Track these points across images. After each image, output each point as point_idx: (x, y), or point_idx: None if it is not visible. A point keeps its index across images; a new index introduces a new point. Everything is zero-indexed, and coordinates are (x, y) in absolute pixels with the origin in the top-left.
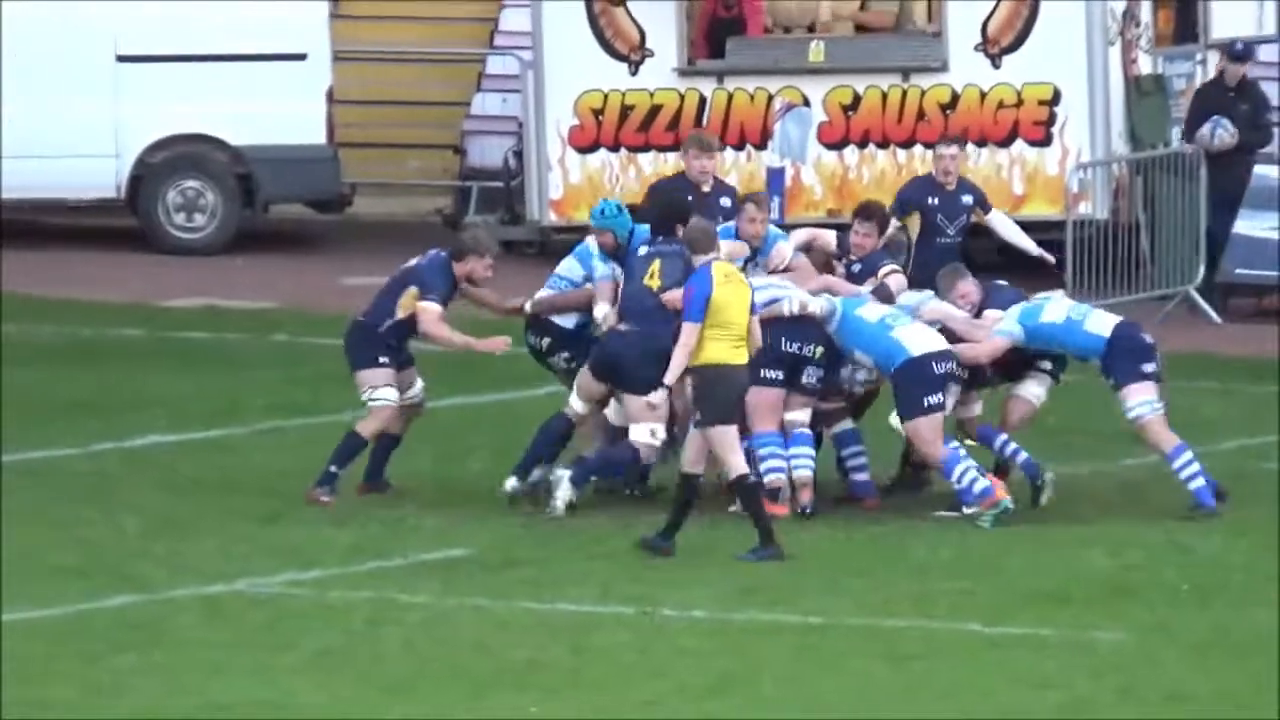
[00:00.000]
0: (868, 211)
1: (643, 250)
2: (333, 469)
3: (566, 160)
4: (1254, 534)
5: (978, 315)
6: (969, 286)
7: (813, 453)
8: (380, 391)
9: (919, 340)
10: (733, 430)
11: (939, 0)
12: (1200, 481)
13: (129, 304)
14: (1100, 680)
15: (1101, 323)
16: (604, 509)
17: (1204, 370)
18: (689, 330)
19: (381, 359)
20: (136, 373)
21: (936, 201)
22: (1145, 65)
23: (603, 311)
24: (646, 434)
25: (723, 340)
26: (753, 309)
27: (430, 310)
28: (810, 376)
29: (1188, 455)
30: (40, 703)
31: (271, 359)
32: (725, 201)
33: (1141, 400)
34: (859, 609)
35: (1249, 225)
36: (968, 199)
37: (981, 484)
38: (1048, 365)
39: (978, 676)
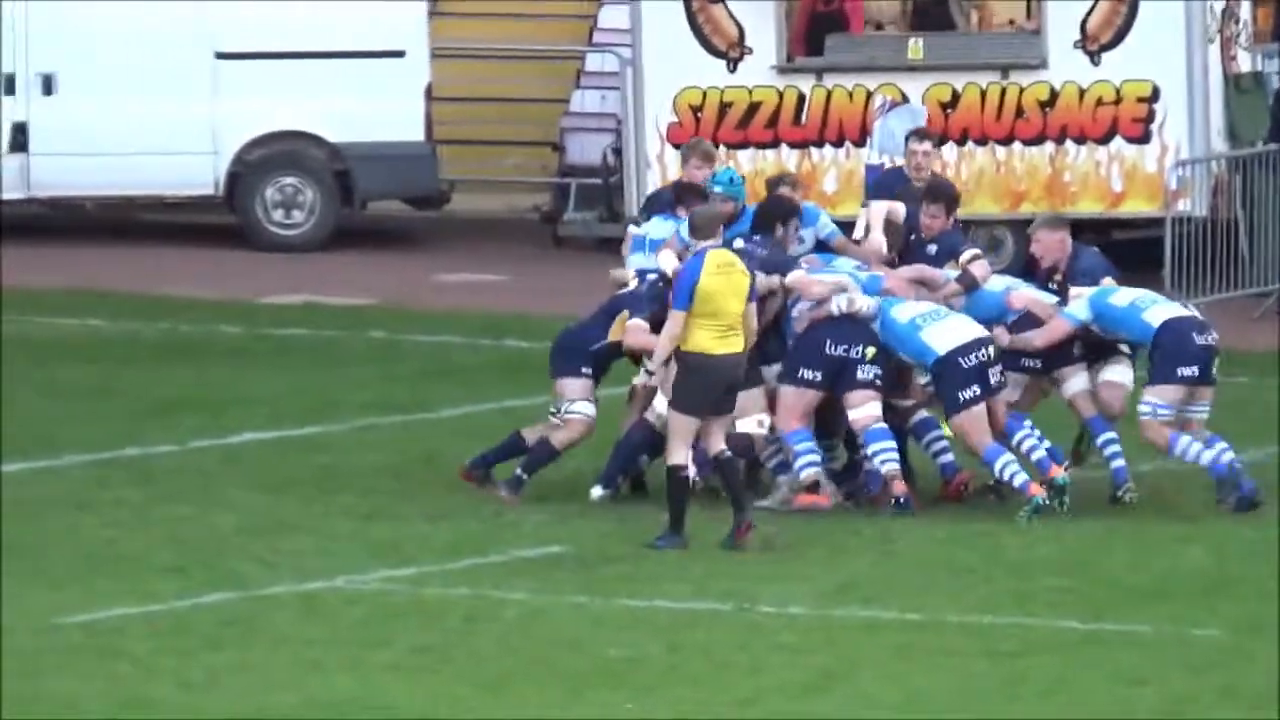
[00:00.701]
0: (935, 192)
1: (737, 244)
2: (519, 474)
3: (665, 157)
4: None
5: (1063, 279)
6: (1049, 236)
7: (894, 444)
8: (578, 405)
9: (946, 337)
10: (694, 424)
11: None
12: (1210, 455)
13: (227, 301)
14: (1200, 678)
15: (1158, 313)
16: (700, 505)
17: None
18: (673, 318)
19: (585, 369)
20: (235, 370)
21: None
22: (1244, 62)
23: (670, 263)
24: (754, 425)
25: (709, 329)
26: (751, 296)
27: (633, 324)
28: (867, 373)
29: (1185, 440)
30: (139, 700)
31: (369, 356)
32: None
33: (1155, 401)
34: (957, 606)
35: None
36: None
37: (1020, 479)
38: (1126, 348)
39: (1077, 673)
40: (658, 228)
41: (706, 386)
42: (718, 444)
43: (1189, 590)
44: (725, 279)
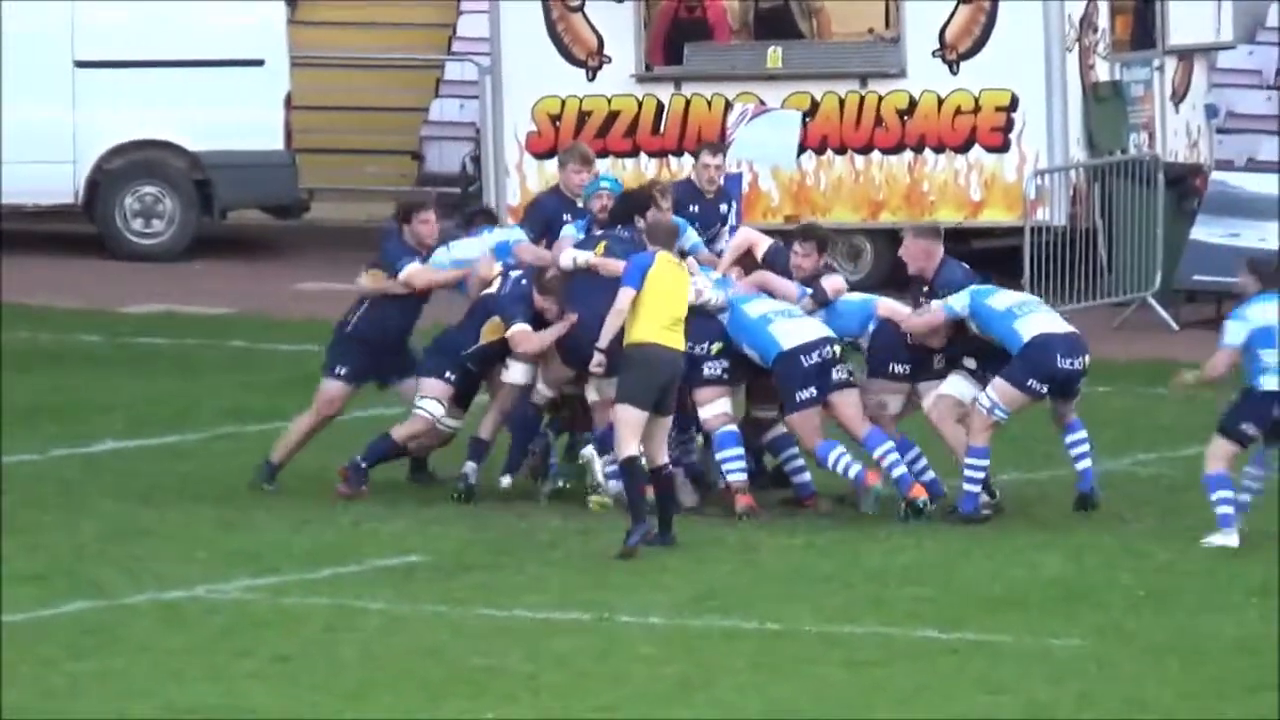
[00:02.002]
0: (807, 233)
1: (597, 231)
2: (360, 462)
3: (524, 166)
4: None
5: (930, 290)
6: (913, 243)
7: (742, 452)
8: (424, 402)
9: (792, 334)
10: (642, 417)
11: (896, 5)
12: (976, 488)
13: (87, 310)
14: (1058, 686)
15: (1030, 325)
16: (560, 513)
17: (1162, 377)
18: (624, 294)
19: (448, 373)
20: (95, 378)
21: (696, 209)
22: (1103, 71)
23: (570, 257)
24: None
25: (656, 320)
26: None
27: (519, 332)
28: (715, 369)
29: (983, 461)
30: None
31: (229, 364)
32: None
33: (996, 399)
34: (816, 615)
35: (1206, 232)
36: (725, 208)
37: (855, 470)
38: (972, 364)
39: (935, 682)
40: (465, 248)
41: (653, 377)
42: (661, 455)
43: (1048, 598)
44: (674, 274)
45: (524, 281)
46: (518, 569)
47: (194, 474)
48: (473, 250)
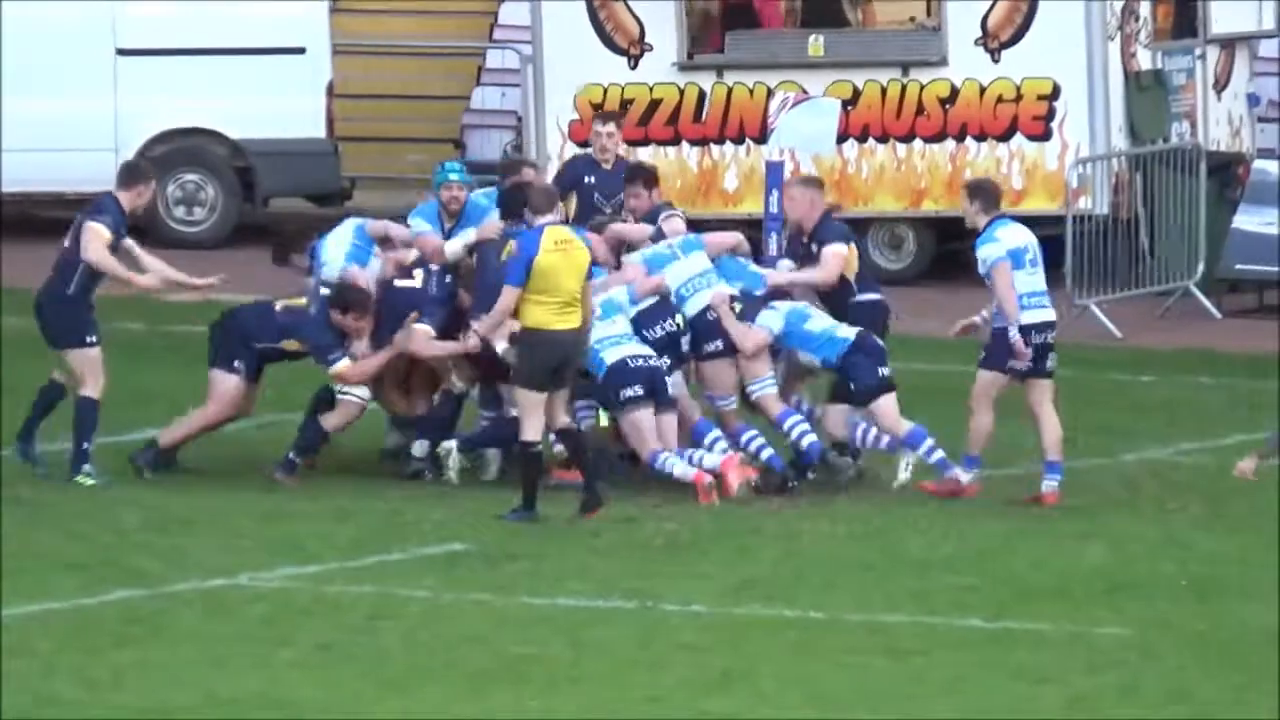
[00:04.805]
0: (634, 174)
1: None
2: (291, 457)
3: (566, 154)
4: (1252, 530)
5: (809, 242)
6: (800, 193)
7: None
8: (356, 386)
9: (614, 353)
10: (541, 399)
11: None
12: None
13: (128, 297)
14: (1100, 676)
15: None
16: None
17: (1204, 365)
18: (507, 293)
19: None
20: (136, 366)
21: (594, 180)
22: (1144, 60)
23: (454, 248)
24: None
25: (548, 305)
26: (589, 274)
27: (421, 333)
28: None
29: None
30: (41, 698)
31: None
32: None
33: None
34: (859, 604)
35: (1248, 220)
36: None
37: (681, 472)
38: None
39: (978, 672)
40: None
41: (545, 360)
42: (559, 417)
43: (1090, 588)
44: (563, 255)
45: (448, 280)
46: (561, 557)
47: (236, 462)
48: (336, 253)
